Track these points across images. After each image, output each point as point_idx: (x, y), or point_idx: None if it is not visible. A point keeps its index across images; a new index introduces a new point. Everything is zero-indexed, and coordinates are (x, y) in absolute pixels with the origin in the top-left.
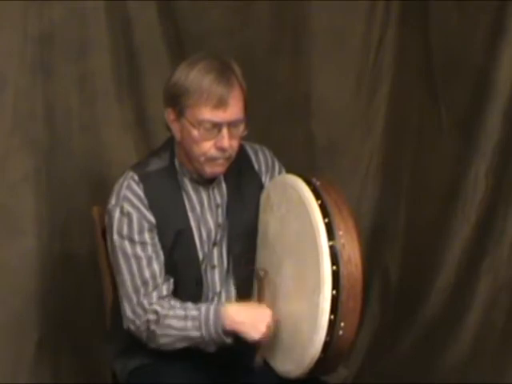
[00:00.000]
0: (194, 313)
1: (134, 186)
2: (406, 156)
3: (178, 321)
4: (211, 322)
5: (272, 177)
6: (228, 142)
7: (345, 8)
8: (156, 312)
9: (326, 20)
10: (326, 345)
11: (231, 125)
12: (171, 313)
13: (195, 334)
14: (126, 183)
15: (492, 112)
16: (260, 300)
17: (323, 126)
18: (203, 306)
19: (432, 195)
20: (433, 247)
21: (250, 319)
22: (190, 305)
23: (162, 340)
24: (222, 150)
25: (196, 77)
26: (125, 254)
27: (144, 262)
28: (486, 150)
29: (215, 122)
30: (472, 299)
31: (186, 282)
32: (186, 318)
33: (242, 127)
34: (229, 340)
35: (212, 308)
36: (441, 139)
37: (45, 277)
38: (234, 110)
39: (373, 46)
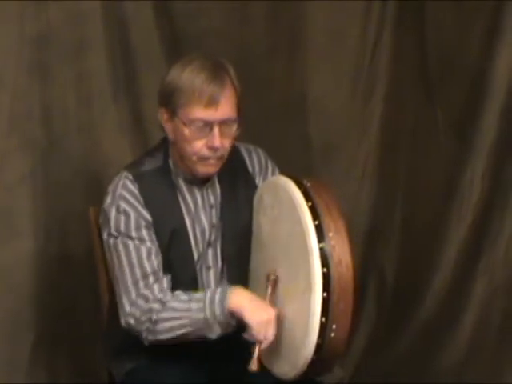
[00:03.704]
0: (198, 295)
1: (130, 185)
2: (402, 156)
3: (181, 303)
4: (217, 301)
5: (265, 178)
6: (219, 141)
7: (341, 8)
8: (160, 300)
9: (323, 20)
10: (319, 347)
11: (223, 124)
12: (175, 298)
13: (199, 315)
14: (121, 182)
15: (488, 112)
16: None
17: (319, 127)
18: (209, 289)
19: (428, 196)
20: (429, 248)
21: (255, 303)
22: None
23: (161, 325)
24: (213, 149)
25: (188, 76)
26: (125, 246)
27: (144, 254)
28: (482, 150)
29: (206, 120)
30: (468, 300)
31: (182, 281)
32: (190, 300)
33: (234, 127)
34: (233, 322)
35: (218, 289)
36: (437, 140)
37: (41, 277)
38: (225, 109)
39: (369, 46)
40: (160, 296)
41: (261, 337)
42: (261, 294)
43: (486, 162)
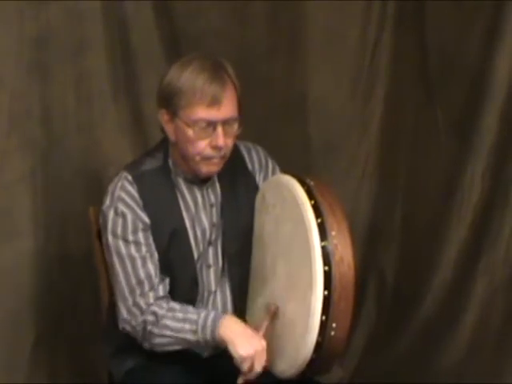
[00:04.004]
0: (192, 316)
1: (128, 187)
2: (403, 156)
3: (174, 322)
4: (208, 326)
5: (266, 175)
6: (223, 140)
7: (341, 8)
8: (154, 313)
9: (323, 20)
10: (318, 345)
11: (225, 123)
12: (170, 314)
13: (191, 337)
14: (120, 184)
15: (488, 112)
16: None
17: (320, 127)
18: (203, 312)
19: (428, 196)
20: (429, 248)
21: (244, 335)
22: (190, 308)
23: (157, 340)
24: (217, 148)
25: (189, 77)
26: (119, 254)
27: (138, 263)
28: (482, 150)
29: (210, 120)
30: (468, 300)
31: (182, 281)
32: (184, 320)
33: (236, 125)
34: (224, 346)
35: (212, 314)
36: (437, 140)
37: (41, 277)
38: (227, 108)
39: (369, 46)
40: (154, 308)
41: (245, 369)
42: (258, 319)
43: (486, 161)
